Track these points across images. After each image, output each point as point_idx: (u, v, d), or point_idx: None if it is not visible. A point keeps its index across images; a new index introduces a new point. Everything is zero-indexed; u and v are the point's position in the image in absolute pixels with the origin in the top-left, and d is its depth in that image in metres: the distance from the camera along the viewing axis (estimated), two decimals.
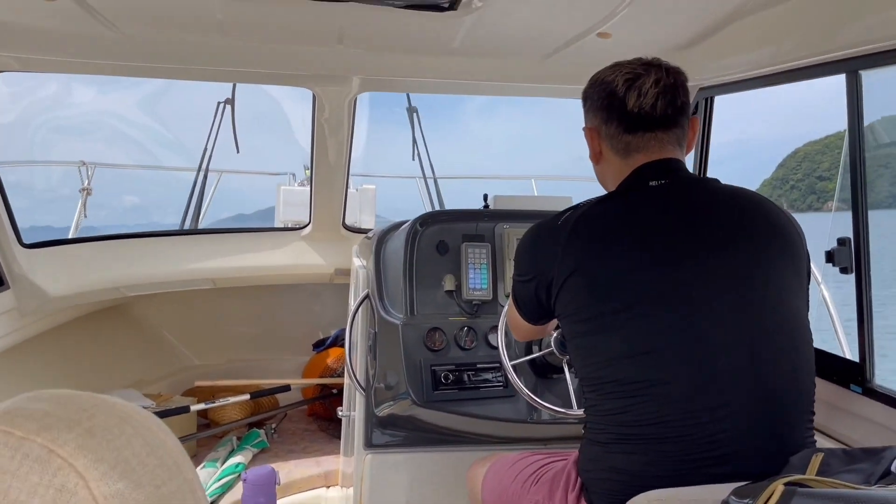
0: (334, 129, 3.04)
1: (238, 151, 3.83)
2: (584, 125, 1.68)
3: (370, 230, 3.38)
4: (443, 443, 2.51)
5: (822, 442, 1.98)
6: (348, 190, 3.58)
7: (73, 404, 0.53)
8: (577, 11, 2.10)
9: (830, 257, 1.97)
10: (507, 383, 2.23)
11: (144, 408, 2.78)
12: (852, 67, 1.81)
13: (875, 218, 1.90)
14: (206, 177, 4.36)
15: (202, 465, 3.10)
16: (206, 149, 4.13)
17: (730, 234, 1.48)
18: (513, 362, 2.14)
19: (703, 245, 1.47)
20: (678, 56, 2.31)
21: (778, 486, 0.99)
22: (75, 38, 2.38)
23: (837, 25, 1.80)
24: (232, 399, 3.45)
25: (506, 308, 2.15)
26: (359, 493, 2.51)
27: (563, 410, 2.13)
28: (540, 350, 2.27)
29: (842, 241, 1.94)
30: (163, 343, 4.10)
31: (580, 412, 2.06)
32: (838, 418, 2.00)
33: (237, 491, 2.91)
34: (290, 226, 5.11)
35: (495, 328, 2.27)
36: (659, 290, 1.44)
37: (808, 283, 1.56)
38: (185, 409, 3.29)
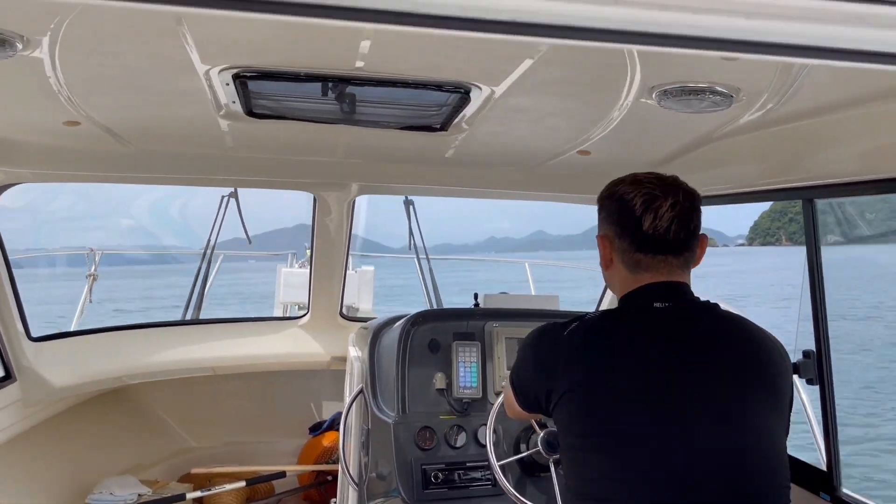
0: (334, 227, 3.20)
1: (249, 242, 3.98)
2: (598, 232, 1.73)
3: (367, 319, 3.50)
4: None
5: None
6: (346, 278, 3.72)
7: None
8: (556, 133, 2.26)
9: (797, 369, 2.08)
10: (495, 482, 2.29)
11: (140, 495, 2.83)
12: (808, 196, 1.96)
13: None
14: (209, 266, 4.50)
15: None
16: (209, 240, 4.28)
17: (722, 369, 1.55)
18: (500, 462, 2.22)
19: (694, 378, 1.54)
20: (656, 170, 2.48)
21: None
22: (91, 154, 2.56)
23: (794, 159, 1.96)
24: (228, 486, 3.50)
25: (496, 405, 2.24)
26: None
27: None
28: (528, 449, 2.35)
29: (807, 354, 2.06)
30: (161, 426, 4.15)
31: None
32: None
33: None
34: (289, 307, 5.24)
35: (485, 425, 2.35)
36: (649, 419, 1.51)
37: (790, 413, 1.63)
38: (182, 497, 3.35)
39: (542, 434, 2.28)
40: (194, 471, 3.63)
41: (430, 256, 4.62)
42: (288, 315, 5.05)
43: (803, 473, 2.09)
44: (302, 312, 4.03)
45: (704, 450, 1.49)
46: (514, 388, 1.78)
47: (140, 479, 3.55)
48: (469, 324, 2.64)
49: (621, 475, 1.50)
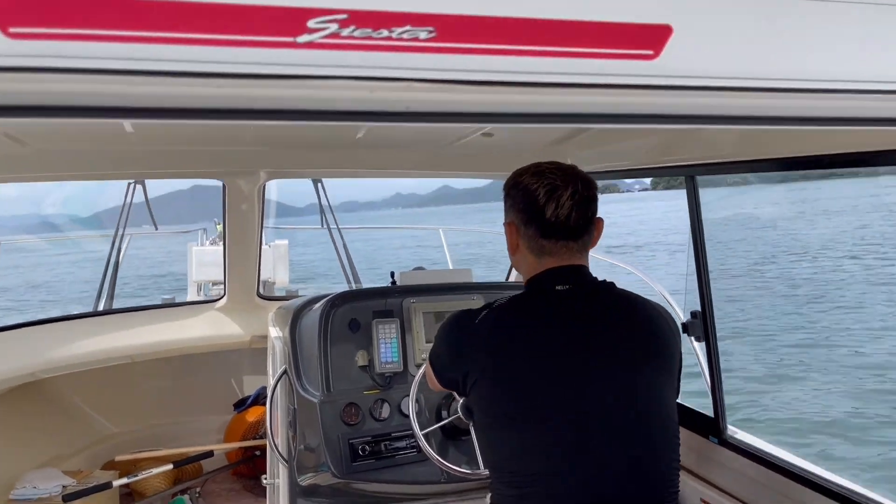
0: (245, 212, 3.21)
1: (156, 228, 3.92)
2: (505, 220, 1.87)
3: (285, 297, 3.55)
4: None
5: (691, 482, 2.31)
6: (262, 254, 3.74)
7: None
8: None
9: (686, 328, 2.30)
10: (420, 449, 2.44)
11: (64, 486, 2.86)
12: (690, 173, 2.15)
13: None
14: (119, 255, 4.39)
15: None
16: (117, 227, 4.18)
17: (618, 344, 1.73)
18: (424, 431, 2.36)
19: (595, 357, 1.71)
20: (554, 149, 2.63)
21: None
22: None
23: (678, 140, 2.14)
24: (155, 470, 3.51)
25: (417, 376, 2.37)
26: None
27: (469, 472, 2.36)
28: (448, 416, 2.50)
29: (694, 314, 2.28)
30: (79, 414, 4.10)
31: (485, 472, 2.29)
32: (703, 464, 2.33)
33: None
34: (202, 285, 5.19)
35: (407, 396, 2.48)
36: (555, 397, 1.68)
37: (680, 376, 1.84)
38: (108, 486, 3.35)
39: (461, 401, 2.42)
40: (118, 458, 3.62)
41: (342, 227, 4.67)
42: (202, 293, 5.01)
43: (695, 420, 2.33)
44: (216, 290, 4.03)
45: (608, 417, 1.67)
46: (434, 371, 1.93)
47: (63, 471, 3.52)
48: (387, 301, 2.74)
49: (530, 450, 1.67)
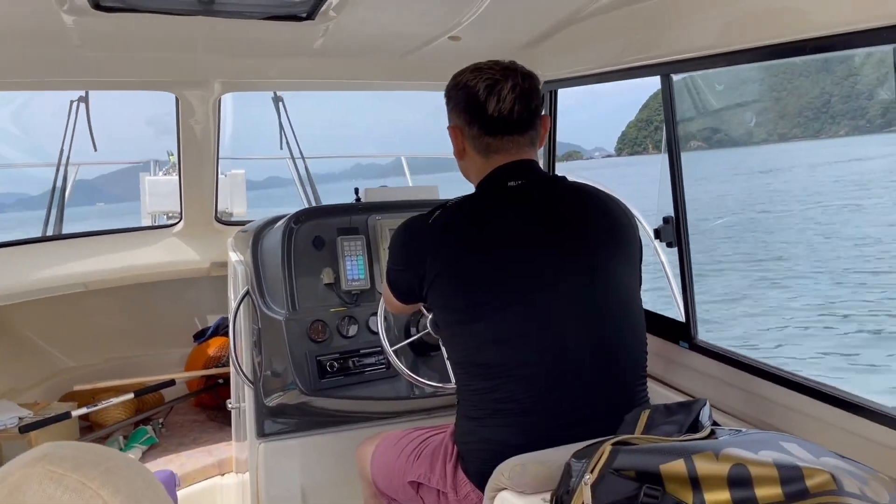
0: (200, 129, 3.06)
1: (95, 150, 3.72)
2: (448, 124, 1.83)
3: (244, 222, 3.43)
4: (333, 424, 2.67)
5: (659, 389, 2.32)
6: (218, 182, 3.60)
7: (90, 451, 0.73)
8: (427, 18, 2.25)
9: (658, 234, 2.28)
10: (389, 365, 2.40)
11: (21, 418, 2.77)
12: (665, 71, 2.10)
13: None
14: (65, 178, 4.20)
15: None
16: (62, 150, 3.97)
17: (574, 232, 1.71)
18: (393, 347, 2.32)
19: (552, 243, 1.69)
20: (524, 54, 2.53)
21: (606, 447, 1.24)
22: None
23: (653, 36, 2.07)
24: (115, 400, 3.42)
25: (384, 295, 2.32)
26: (255, 480, 2.63)
27: (440, 385, 2.35)
28: (418, 332, 2.46)
29: (666, 220, 2.25)
30: (33, 348, 3.96)
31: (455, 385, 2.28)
32: (672, 369, 2.34)
33: None
34: (157, 216, 5.02)
35: (375, 314, 2.44)
36: (516, 284, 1.66)
37: (641, 263, 1.83)
38: (67, 416, 3.25)
39: (430, 316, 2.39)
40: (76, 388, 3.52)
41: (305, 156, 4.53)
42: (157, 224, 4.85)
43: (664, 326, 2.33)
44: (173, 221, 3.89)
45: (569, 300, 1.65)
46: (390, 284, 1.89)
47: (18, 404, 3.41)
48: (352, 218, 2.67)
49: (496, 338, 1.64)
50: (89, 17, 2.05)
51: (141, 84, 2.82)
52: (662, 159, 2.17)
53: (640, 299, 1.79)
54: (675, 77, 2.12)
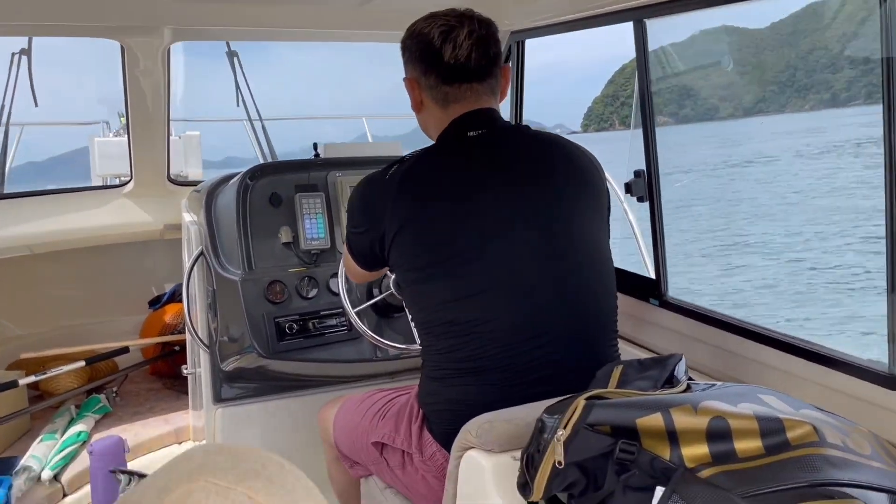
0: (149, 81, 2.89)
1: (37, 105, 3.52)
2: (404, 75, 1.74)
3: (198, 182, 3.29)
4: (293, 388, 2.59)
5: (629, 349, 2.27)
6: (170, 141, 3.44)
7: (246, 457, 0.66)
8: None
9: (629, 188, 2.21)
10: (351, 326, 2.32)
11: None
12: (638, 16, 2.01)
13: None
14: (6, 134, 3.98)
15: (39, 438, 2.96)
16: (2, 106, 3.75)
17: (538, 181, 1.64)
18: (355, 308, 2.23)
19: (515, 194, 1.61)
20: (489, 2, 2.42)
21: (580, 402, 1.17)
22: None
23: None
24: (65, 367, 3.28)
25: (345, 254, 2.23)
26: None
27: (404, 346, 2.27)
28: (381, 293, 2.37)
29: (637, 174, 2.19)
30: None
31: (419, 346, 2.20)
32: (642, 328, 2.30)
33: (81, 461, 2.83)
34: (108, 180, 4.82)
35: (335, 275, 2.34)
36: (478, 238, 1.58)
37: (609, 215, 1.76)
38: (14, 384, 3.11)
39: (393, 276, 2.30)
40: (24, 356, 3.36)
41: (263, 118, 4.36)
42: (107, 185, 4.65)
43: (634, 283, 2.28)
44: (125, 181, 3.72)
45: (534, 253, 1.58)
46: (351, 250, 1.80)
47: None
48: (311, 175, 2.55)
49: (460, 295, 1.57)
50: None
51: (84, 30, 2.64)
52: (634, 111, 2.10)
53: (610, 251, 1.73)
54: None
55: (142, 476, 1.99)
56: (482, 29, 1.64)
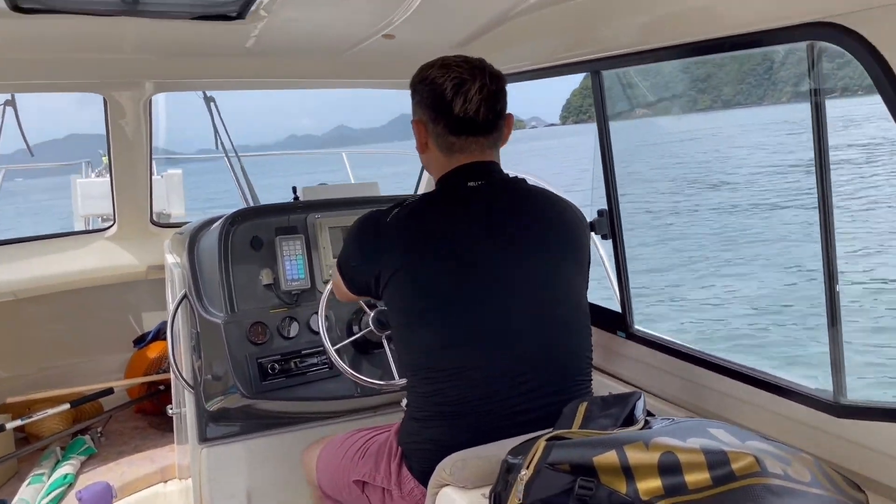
0: (131, 130, 2.98)
1: (32, 155, 3.59)
2: (413, 117, 1.81)
3: (181, 223, 3.36)
4: (277, 426, 2.64)
5: (599, 378, 2.37)
6: (153, 183, 3.51)
7: None
8: (359, 17, 2.24)
9: (593, 227, 2.32)
10: (332, 364, 2.39)
11: None
12: (595, 68, 2.14)
13: None
14: None
15: (27, 481, 3.00)
16: None
17: (530, 238, 1.72)
18: (335, 346, 2.31)
19: (507, 249, 1.70)
20: (457, 51, 2.54)
21: (541, 443, 1.26)
22: None
23: (583, 34, 2.11)
24: (51, 410, 3.32)
25: (325, 292, 2.30)
26: (198, 485, 2.59)
27: (383, 383, 2.35)
28: (360, 330, 2.45)
29: (601, 213, 2.30)
30: None
31: (401, 381, 2.28)
32: (611, 358, 2.40)
33: (69, 503, 2.87)
34: (91, 220, 4.88)
35: (316, 314, 2.42)
36: (471, 289, 1.66)
37: (589, 265, 1.85)
38: (1, 429, 3.15)
39: (372, 314, 2.39)
40: (9, 400, 3.40)
41: (239, 154, 4.44)
42: (91, 228, 4.70)
43: (603, 317, 2.38)
44: (107, 224, 3.78)
45: (522, 306, 1.68)
46: (343, 276, 1.87)
47: None
48: (290, 218, 2.64)
49: (447, 343, 1.66)
50: (9, 19, 1.98)
51: (68, 86, 2.73)
52: (594, 154, 2.21)
53: (587, 303, 1.82)
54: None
55: None
56: (493, 84, 1.71)
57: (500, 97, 1.74)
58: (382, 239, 1.71)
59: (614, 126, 2.22)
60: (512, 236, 1.71)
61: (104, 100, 2.87)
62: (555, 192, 1.86)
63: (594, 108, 2.17)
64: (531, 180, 1.85)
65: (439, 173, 1.79)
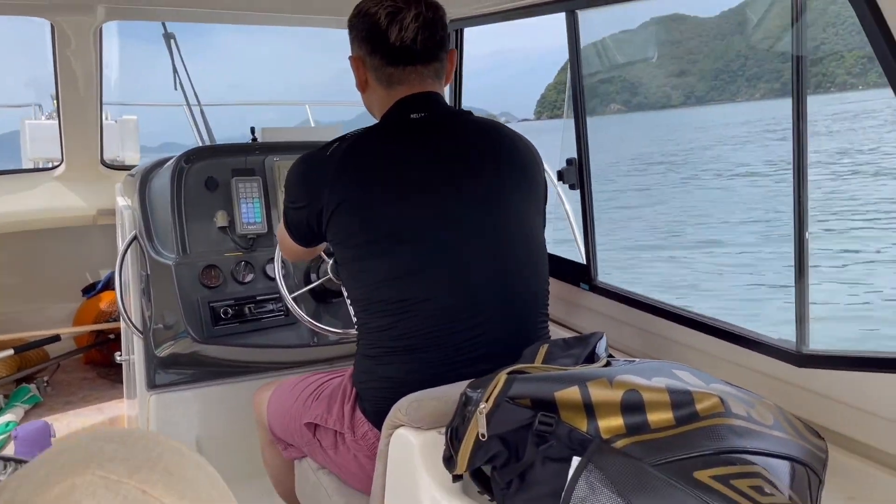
0: (80, 61, 2.82)
1: None
2: (349, 54, 1.74)
3: (133, 167, 3.23)
4: (229, 375, 2.57)
5: (559, 331, 2.34)
6: (104, 123, 3.36)
7: (140, 444, 0.59)
8: None
9: (560, 176, 2.27)
10: (288, 312, 2.31)
11: None
12: (571, 7, 2.06)
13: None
14: None
15: None
16: None
17: (478, 166, 1.67)
18: (293, 294, 2.23)
19: (455, 176, 1.64)
20: None
21: (502, 376, 1.21)
22: None
23: None
24: None
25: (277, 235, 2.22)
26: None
27: (341, 331, 2.28)
28: (318, 278, 2.38)
29: (569, 162, 2.24)
30: None
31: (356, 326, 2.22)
32: (573, 311, 2.36)
33: (10, 450, 2.76)
34: (41, 164, 4.68)
35: (272, 260, 2.33)
36: (417, 218, 1.60)
37: (545, 203, 1.80)
38: None
39: (330, 262, 2.31)
40: None
41: (202, 103, 4.28)
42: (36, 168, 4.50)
43: (566, 268, 2.34)
44: (56, 165, 3.62)
45: (471, 235, 1.63)
46: (288, 225, 1.80)
47: None
48: (248, 159, 2.53)
49: (397, 274, 1.60)
50: None
51: (11, 8, 2.56)
52: (567, 103, 2.15)
53: (544, 238, 1.78)
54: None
55: (21, 463, 1.82)
56: (429, 12, 1.65)
57: (437, 26, 1.67)
58: (322, 173, 1.64)
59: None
60: (458, 165, 1.66)
61: (51, 27, 2.70)
62: (505, 125, 1.80)
63: (567, 50, 2.10)
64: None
65: (381, 110, 1.73)
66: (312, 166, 1.69)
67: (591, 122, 2.23)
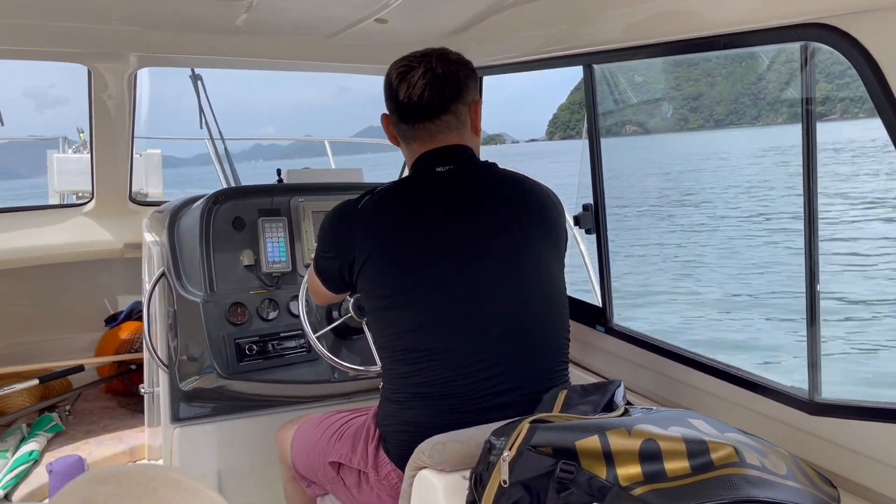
0: (114, 105, 2.93)
1: (2, 124, 3.52)
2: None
3: (160, 202, 3.32)
4: (252, 409, 2.62)
5: (577, 373, 2.38)
6: (133, 161, 3.46)
7: (135, 481, 0.60)
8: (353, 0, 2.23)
9: (577, 221, 2.33)
10: (310, 348, 2.37)
11: None
12: (587, 62, 2.15)
13: None
14: None
15: None
16: None
17: (503, 220, 1.72)
18: (316, 334, 2.29)
19: (478, 231, 1.70)
20: (452, 40, 2.54)
21: (525, 425, 1.27)
22: None
23: (574, 27, 2.12)
24: (18, 385, 3.27)
25: (306, 277, 2.29)
26: (168, 465, 2.56)
27: (362, 368, 2.34)
28: (340, 316, 2.44)
29: (586, 207, 2.31)
30: None
31: (378, 367, 2.27)
32: (589, 353, 2.41)
33: (33, 479, 2.82)
34: (66, 196, 4.79)
35: (296, 298, 2.40)
36: (441, 272, 1.67)
37: (565, 251, 1.86)
38: None
39: (352, 300, 2.38)
40: None
41: (224, 137, 4.39)
42: (67, 203, 4.62)
43: (582, 310, 2.39)
44: (84, 200, 3.73)
45: (494, 288, 1.69)
46: (319, 272, 1.87)
47: None
48: (273, 200, 2.62)
49: (421, 324, 1.66)
50: None
51: (50, 54, 2.68)
52: (583, 147, 2.22)
53: (564, 285, 1.83)
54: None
55: None
56: (439, 67, 1.69)
57: (447, 80, 1.70)
58: (354, 226, 1.72)
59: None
60: (482, 218, 1.72)
61: (88, 72, 2.82)
62: (528, 176, 1.87)
63: (585, 101, 2.18)
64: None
65: (409, 163, 1.81)
66: (344, 219, 1.76)
67: (605, 143, 2.25)
